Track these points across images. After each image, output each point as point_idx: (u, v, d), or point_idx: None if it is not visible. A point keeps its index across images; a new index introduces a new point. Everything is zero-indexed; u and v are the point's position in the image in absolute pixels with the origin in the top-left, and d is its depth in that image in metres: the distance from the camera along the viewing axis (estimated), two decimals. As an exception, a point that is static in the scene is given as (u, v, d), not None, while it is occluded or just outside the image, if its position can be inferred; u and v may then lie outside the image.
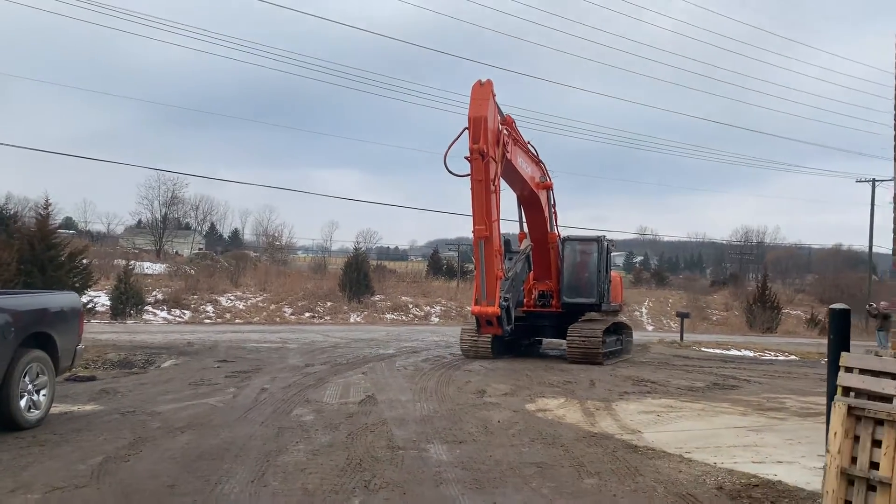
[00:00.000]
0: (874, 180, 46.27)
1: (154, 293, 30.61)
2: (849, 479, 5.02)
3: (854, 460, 5.03)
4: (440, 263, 59.06)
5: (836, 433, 5.12)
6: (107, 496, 5.48)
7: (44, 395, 8.06)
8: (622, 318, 20.54)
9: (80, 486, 5.71)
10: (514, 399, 10.67)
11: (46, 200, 24.18)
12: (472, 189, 13.99)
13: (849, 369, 5.31)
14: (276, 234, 69.56)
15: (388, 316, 34.08)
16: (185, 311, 29.48)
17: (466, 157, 13.82)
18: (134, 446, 7.06)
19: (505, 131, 14.64)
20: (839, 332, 6.49)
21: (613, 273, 18.61)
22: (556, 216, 17.58)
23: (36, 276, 21.51)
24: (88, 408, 9.15)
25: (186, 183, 67.48)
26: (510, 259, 16.18)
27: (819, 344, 24.51)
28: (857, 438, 5.07)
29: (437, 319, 34.58)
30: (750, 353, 22.58)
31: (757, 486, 6.09)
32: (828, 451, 5.16)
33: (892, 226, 6.05)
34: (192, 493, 5.61)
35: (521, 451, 7.27)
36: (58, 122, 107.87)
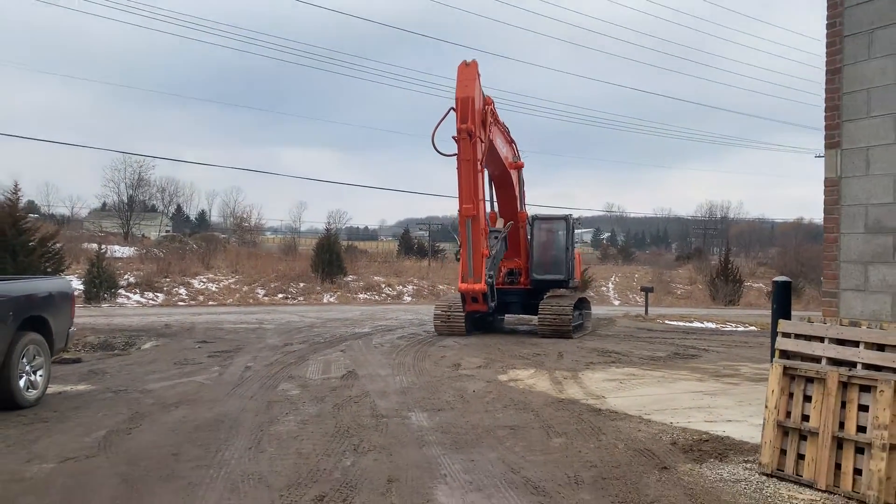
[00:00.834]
0: (831, 156, 47.53)
1: (126, 276, 30.64)
2: (784, 431, 5.70)
3: (789, 415, 5.71)
4: (411, 243, 59.58)
5: (773, 390, 5.79)
6: (117, 464, 5.95)
7: (41, 376, 8.46)
8: (583, 294, 21.17)
9: (90, 455, 6.17)
10: (487, 371, 11.30)
11: (16, 185, 24.08)
12: (458, 169, 14.25)
13: (786, 334, 5.97)
14: (245, 216, 69.34)
15: (361, 296, 34.51)
16: (159, 294, 29.60)
17: (454, 137, 14.07)
18: (133, 420, 7.52)
19: (489, 111, 14.99)
20: (781, 302, 7.19)
21: (575, 250, 19.20)
22: (524, 195, 18.14)
23: (7, 261, 21.52)
24: (81, 387, 9.55)
25: (153, 165, 66.93)
26: (494, 238, 16.53)
27: (777, 315, 25.47)
28: (791, 396, 5.75)
29: (409, 298, 35.10)
30: (712, 325, 23.45)
31: (707, 441, 6.77)
32: (766, 406, 5.84)
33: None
34: (195, 459, 6.11)
35: (496, 417, 7.88)
36: (9, 102, 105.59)
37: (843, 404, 5.33)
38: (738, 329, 22.36)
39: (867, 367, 5.27)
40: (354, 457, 6.20)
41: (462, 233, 14.82)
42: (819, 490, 5.28)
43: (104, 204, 72.74)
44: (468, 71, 14.20)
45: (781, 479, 5.57)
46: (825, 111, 6.00)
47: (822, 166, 6.01)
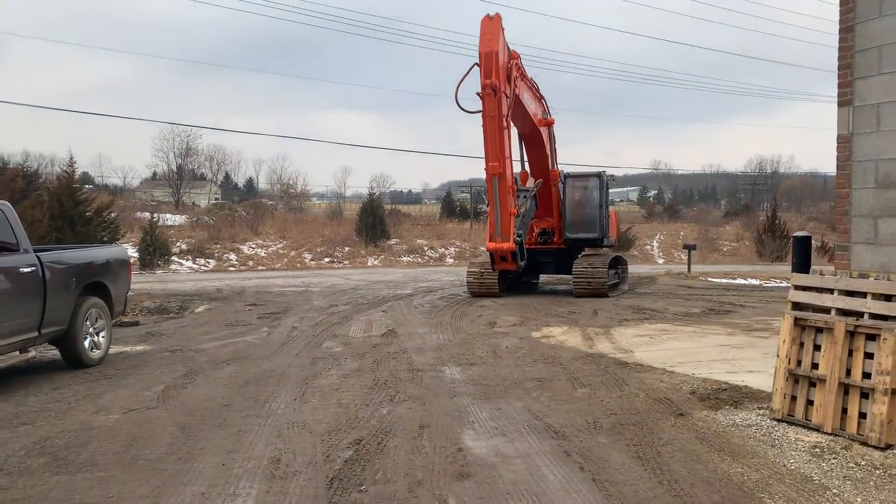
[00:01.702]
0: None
1: (178, 244, 31.79)
2: (795, 379, 5.98)
3: (799, 363, 5.98)
4: (453, 205, 59.84)
5: (784, 340, 6.06)
6: (175, 414, 6.55)
7: (103, 337, 9.16)
8: (624, 252, 21.23)
9: (151, 407, 6.79)
10: (521, 328, 11.70)
11: (71, 157, 25.22)
12: (483, 126, 13.98)
13: (798, 287, 6.21)
14: (291, 182, 70.57)
15: (404, 259, 35.15)
16: (210, 260, 30.66)
17: (478, 93, 13.79)
18: (188, 376, 8.14)
19: (514, 66, 14.77)
20: (801, 256, 7.39)
21: (610, 209, 19.06)
22: (556, 153, 18.02)
23: (66, 231, 22.65)
24: (140, 348, 10.27)
25: (200, 134, 68.39)
26: (523, 197, 16.31)
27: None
28: (802, 345, 6.01)
29: (451, 261, 35.59)
30: (755, 282, 23.41)
31: (725, 390, 7.08)
32: (777, 355, 6.11)
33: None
34: (246, 409, 6.67)
35: (525, 370, 8.30)
36: (60, 77, 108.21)
37: (850, 353, 5.58)
38: (781, 285, 22.25)
39: (874, 316, 5.50)
40: (390, 406, 6.69)
41: (489, 191, 14.55)
42: (825, 433, 5.57)
43: (154, 173, 74.86)
44: (492, 25, 13.86)
45: (791, 423, 5.87)
46: (838, 69, 6.13)
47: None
